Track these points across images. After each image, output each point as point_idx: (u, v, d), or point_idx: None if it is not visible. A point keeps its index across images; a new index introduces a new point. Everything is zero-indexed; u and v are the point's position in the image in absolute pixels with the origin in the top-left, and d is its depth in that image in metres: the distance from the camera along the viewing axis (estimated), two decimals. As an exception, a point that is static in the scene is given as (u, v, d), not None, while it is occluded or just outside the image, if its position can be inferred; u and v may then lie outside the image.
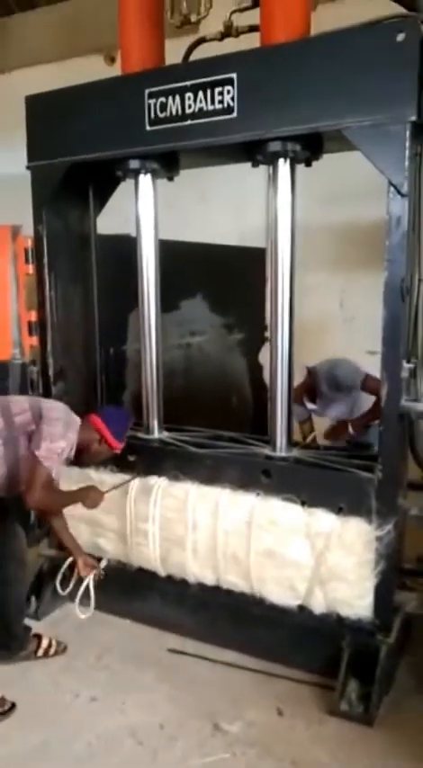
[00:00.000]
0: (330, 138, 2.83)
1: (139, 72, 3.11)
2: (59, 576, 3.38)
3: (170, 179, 3.41)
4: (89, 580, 3.10)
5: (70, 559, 3.39)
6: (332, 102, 2.63)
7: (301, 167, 3.05)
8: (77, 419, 2.96)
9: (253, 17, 3.04)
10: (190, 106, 2.93)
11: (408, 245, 2.62)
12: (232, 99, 2.83)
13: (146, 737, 2.62)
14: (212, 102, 2.87)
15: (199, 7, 3.25)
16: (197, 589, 3.19)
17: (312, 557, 2.86)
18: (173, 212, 4.79)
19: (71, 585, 3.41)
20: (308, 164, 3.05)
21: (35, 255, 3.55)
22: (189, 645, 3.20)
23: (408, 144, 2.50)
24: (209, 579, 3.15)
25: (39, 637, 3.18)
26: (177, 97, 2.95)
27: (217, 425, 3.59)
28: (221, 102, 2.85)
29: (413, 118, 2.48)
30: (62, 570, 3.35)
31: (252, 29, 3.09)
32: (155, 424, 3.50)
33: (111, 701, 2.83)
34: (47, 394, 3.52)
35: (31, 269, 3.89)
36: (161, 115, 2.99)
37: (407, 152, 2.51)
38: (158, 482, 3.22)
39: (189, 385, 4.77)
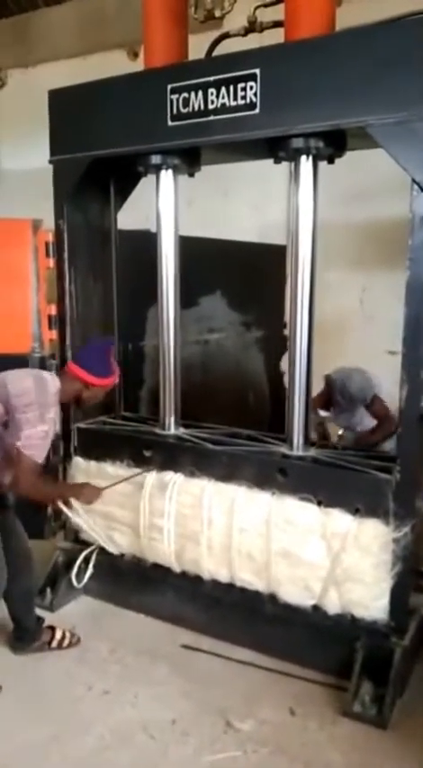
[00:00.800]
0: (353, 135, 2.81)
1: (162, 67, 3.10)
2: (75, 570, 3.41)
3: (191, 175, 3.40)
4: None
5: (85, 552, 3.41)
6: (356, 99, 2.60)
7: (323, 164, 3.02)
8: (53, 387, 2.84)
9: (277, 12, 3.02)
10: (212, 102, 2.92)
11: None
12: (255, 95, 2.81)
13: (158, 732, 2.62)
14: (235, 97, 2.86)
15: (223, 2, 3.24)
16: (211, 586, 3.19)
17: (328, 557, 2.85)
18: (194, 209, 4.80)
19: (86, 579, 3.45)
20: (330, 161, 3.03)
21: (56, 249, 3.56)
22: (202, 641, 3.19)
23: (432, 141, 2.47)
24: (223, 576, 3.14)
25: (52, 628, 3.19)
26: (200, 93, 2.94)
27: (234, 423, 3.58)
28: (244, 97, 2.84)
29: (438, 115, 2.45)
30: (78, 563, 3.38)
31: (276, 24, 3.07)
32: (171, 420, 3.50)
33: (123, 695, 2.84)
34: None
35: (51, 263, 3.90)
36: (183, 111, 2.99)
37: (431, 149, 2.48)
38: (174, 478, 3.22)
39: (206, 382, 4.76)
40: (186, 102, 2.98)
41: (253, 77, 2.80)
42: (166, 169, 3.28)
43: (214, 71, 2.89)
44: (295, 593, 2.95)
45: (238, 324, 5.17)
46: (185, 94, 2.97)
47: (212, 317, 4.86)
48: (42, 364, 4.06)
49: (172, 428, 3.49)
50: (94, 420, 3.69)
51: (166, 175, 3.31)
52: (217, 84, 2.89)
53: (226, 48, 3.23)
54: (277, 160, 3.08)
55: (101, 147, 3.25)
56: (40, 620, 3.20)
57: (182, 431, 3.48)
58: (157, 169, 3.29)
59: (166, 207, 3.37)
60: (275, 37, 2.97)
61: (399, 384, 2.69)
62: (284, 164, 3.18)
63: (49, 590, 3.53)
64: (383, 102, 2.54)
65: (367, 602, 2.81)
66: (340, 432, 4.28)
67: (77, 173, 3.35)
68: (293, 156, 2.97)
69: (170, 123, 3.03)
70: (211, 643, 3.17)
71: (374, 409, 3.85)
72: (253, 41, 3.18)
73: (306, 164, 2.96)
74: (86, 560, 3.49)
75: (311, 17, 2.79)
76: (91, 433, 3.60)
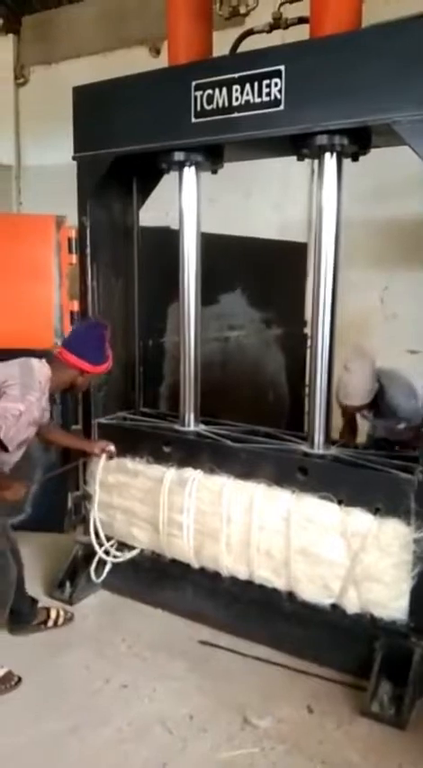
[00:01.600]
0: (379, 133, 2.79)
1: (187, 64, 3.11)
2: (94, 565, 3.44)
3: (214, 172, 3.41)
4: (102, 460, 3.36)
5: (103, 547, 3.44)
6: (382, 96, 2.59)
7: (346, 162, 3.01)
8: (41, 373, 2.79)
9: (302, 9, 3.01)
10: (237, 98, 2.91)
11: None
12: (280, 91, 2.81)
13: (175, 727, 2.64)
14: (260, 94, 2.85)
15: (248, -1, 3.24)
16: (230, 583, 3.19)
17: (348, 556, 2.83)
18: (216, 207, 4.80)
19: (105, 574, 3.48)
20: (355, 158, 3.01)
21: (79, 246, 3.58)
22: (220, 638, 3.21)
23: (460, 140, 2.45)
24: (242, 573, 3.14)
25: (47, 609, 3.31)
26: (224, 89, 2.93)
27: (252, 420, 3.58)
28: (269, 94, 2.83)
29: None
30: (96, 558, 3.41)
31: (301, 20, 3.05)
32: (191, 416, 3.50)
33: (141, 689, 2.86)
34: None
35: (74, 259, 3.93)
36: (207, 107, 2.99)
37: (458, 148, 2.46)
38: (194, 475, 3.23)
39: (226, 379, 4.76)
40: (210, 99, 2.97)
41: (278, 74, 2.80)
42: (190, 166, 3.28)
43: (239, 68, 2.89)
44: (314, 591, 2.95)
45: (258, 321, 5.16)
46: (210, 91, 2.97)
47: (232, 315, 4.86)
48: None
49: (191, 424, 3.50)
50: (114, 415, 3.71)
51: (189, 172, 3.31)
52: (241, 81, 2.88)
53: (250, 45, 3.23)
54: (301, 157, 3.07)
55: (124, 144, 3.26)
56: (34, 602, 3.29)
57: (201, 427, 3.49)
58: (180, 166, 3.30)
59: (188, 204, 3.37)
60: (300, 34, 2.96)
61: (421, 384, 2.68)
62: (306, 161, 3.17)
63: (68, 583, 3.57)
64: (411, 99, 2.52)
65: (386, 602, 2.80)
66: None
67: (101, 169, 3.37)
68: (317, 154, 2.96)
69: (194, 120, 3.03)
70: (229, 639, 3.18)
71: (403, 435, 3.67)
72: (277, 38, 3.17)
73: (330, 161, 2.94)
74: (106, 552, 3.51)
75: (337, 13, 2.77)
76: (111, 428, 3.62)
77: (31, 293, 4.06)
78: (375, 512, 2.79)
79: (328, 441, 3.16)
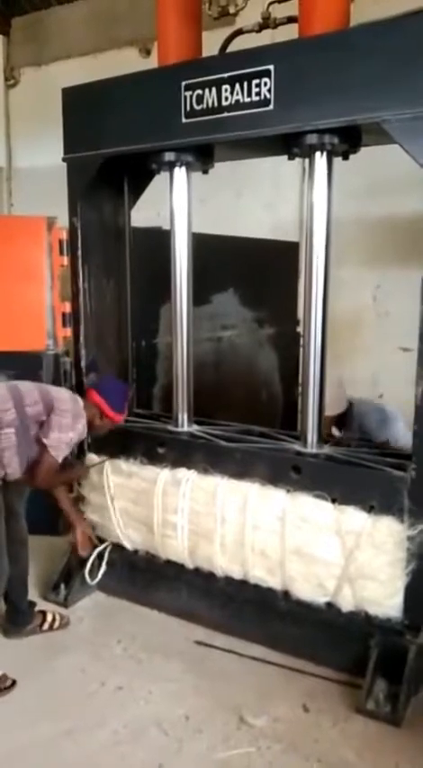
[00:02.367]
0: (368, 131, 2.79)
1: (176, 64, 3.10)
2: (88, 566, 3.44)
3: (205, 172, 3.40)
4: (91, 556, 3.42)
5: (98, 549, 3.45)
6: (371, 95, 2.59)
7: (337, 160, 3.01)
8: (81, 403, 3.11)
9: (291, 8, 3.01)
10: (226, 98, 2.91)
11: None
12: (269, 91, 2.80)
13: (171, 728, 2.63)
14: (249, 94, 2.85)
15: (236, -2, 3.24)
16: (224, 583, 3.19)
17: (342, 555, 2.84)
18: (207, 207, 4.80)
19: (99, 576, 3.47)
20: (345, 157, 3.02)
21: (70, 247, 3.57)
22: (216, 638, 3.20)
23: (449, 138, 2.45)
24: (236, 573, 3.14)
25: (43, 612, 3.31)
26: (214, 89, 2.93)
27: (246, 420, 3.58)
28: (258, 94, 2.83)
29: (455, 110, 2.43)
30: (91, 560, 3.40)
31: (290, 20, 3.05)
32: (184, 417, 3.50)
33: (137, 691, 2.85)
34: (79, 385, 3.56)
35: (65, 260, 3.92)
36: (197, 107, 2.98)
37: (448, 146, 2.46)
38: (188, 475, 3.22)
39: (219, 379, 4.76)
40: (200, 99, 2.97)
41: (267, 73, 2.80)
42: (180, 166, 3.28)
43: (228, 67, 2.89)
44: (309, 590, 2.95)
45: (251, 321, 5.16)
46: (199, 91, 2.97)
47: (225, 315, 4.86)
48: (56, 361, 4.09)
49: (185, 425, 3.49)
50: (107, 417, 3.70)
51: (180, 172, 3.30)
52: (231, 81, 2.88)
53: (239, 44, 3.23)
54: (291, 157, 3.08)
55: (114, 145, 3.26)
56: (32, 604, 3.30)
57: (195, 428, 3.49)
58: (170, 166, 3.29)
59: (179, 204, 3.36)
60: (289, 33, 2.96)
61: (414, 381, 2.68)
62: (296, 161, 3.17)
63: (63, 586, 3.56)
64: (400, 97, 2.52)
65: (381, 599, 2.80)
66: None
67: (91, 170, 3.36)
68: (308, 153, 2.96)
69: (184, 120, 3.03)
70: (224, 640, 3.18)
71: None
72: (267, 38, 3.17)
73: (320, 160, 2.94)
74: (100, 557, 3.51)
75: (326, 12, 2.77)
76: (105, 429, 3.60)
77: (22, 295, 4.05)
78: (369, 510, 2.79)
79: (322, 439, 3.16)
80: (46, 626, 3.27)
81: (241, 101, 2.88)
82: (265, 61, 2.79)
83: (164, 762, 2.46)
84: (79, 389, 3.49)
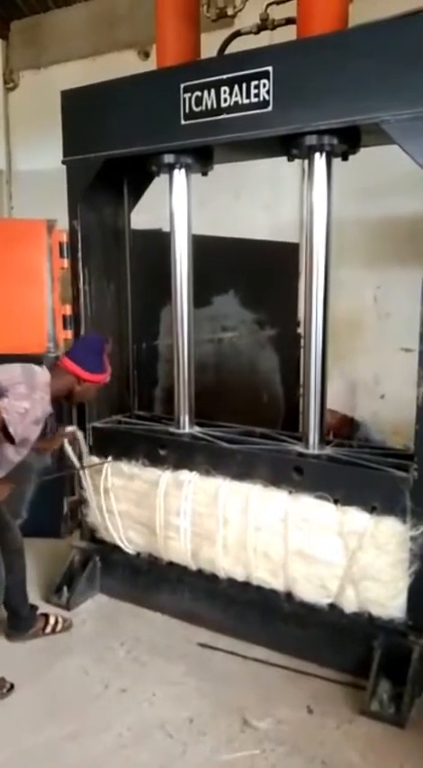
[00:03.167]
0: (368, 132, 2.79)
1: (175, 66, 3.10)
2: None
3: (204, 174, 3.40)
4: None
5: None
6: (370, 95, 2.59)
7: (336, 161, 3.01)
8: (43, 377, 2.83)
9: (289, 9, 3.01)
10: (225, 100, 2.91)
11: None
12: (268, 92, 2.81)
13: (175, 730, 2.63)
14: (248, 95, 2.85)
15: (235, 0, 3.24)
16: (227, 584, 3.19)
17: (345, 556, 2.83)
18: (207, 209, 4.80)
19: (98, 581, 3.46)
20: (344, 157, 3.01)
21: (70, 250, 3.57)
22: (219, 640, 3.20)
23: (449, 137, 2.45)
24: (239, 575, 3.14)
25: (46, 615, 3.29)
26: (213, 91, 2.93)
27: (248, 421, 3.58)
28: (257, 95, 2.83)
29: (455, 110, 2.43)
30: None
31: (289, 21, 3.06)
32: (186, 418, 3.50)
33: (141, 693, 2.85)
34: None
35: (65, 263, 3.92)
36: (196, 109, 2.99)
37: (448, 145, 2.46)
38: (190, 477, 3.22)
39: (220, 380, 4.76)
40: (199, 101, 2.97)
41: (266, 75, 2.80)
42: (180, 168, 3.28)
43: (227, 69, 2.89)
44: (312, 591, 2.95)
45: (251, 322, 5.16)
46: (198, 93, 2.97)
47: (226, 316, 4.86)
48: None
49: (187, 427, 3.49)
50: (108, 419, 3.70)
51: (180, 174, 3.30)
52: (230, 83, 2.88)
53: (238, 46, 3.23)
54: (290, 158, 3.08)
55: (114, 148, 3.26)
56: (33, 608, 3.29)
57: (196, 429, 3.48)
58: (170, 168, 3.29)
59: (179, 206, 3.36)
60: (288, 34, 2.96)
61: (415, 381, 2.68)
62: (295, 162, 3.17)
63: (65, 589, 3.55)
64: (399, 97, 2.52)
65: (384, 600, 2.80)
66: None
67: (91, 173, 3.36)
68: (307, 154, 2.96)
69: (183, 122, 3.03)
70: (227, 641, 3.18)
71: None
72: (265, 39, 3.18)
73: (320, 161, 2.94)
74: (102, 559, 3.51)
75: (324, 13, 2.78)
76: (106, 431, 3.61)
77: (23, 298, 4.05)
78: (371, 510, 2.79)
79: (323, 440, 3.16)
80: (48, 629, 3.26)
81: (240, 102, 2.88)
82: (263, 63, 2.79)
83: (168, 764, 2.46)
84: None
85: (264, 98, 2.82)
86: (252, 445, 3.20)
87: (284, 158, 3.12)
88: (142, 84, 3.19)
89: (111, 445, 3.52)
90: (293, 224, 5.93)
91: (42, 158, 6.70)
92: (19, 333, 4.05)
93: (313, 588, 2.94)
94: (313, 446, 3.11)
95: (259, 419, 4.00)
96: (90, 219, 3.53)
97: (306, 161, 3.03)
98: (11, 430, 2.66)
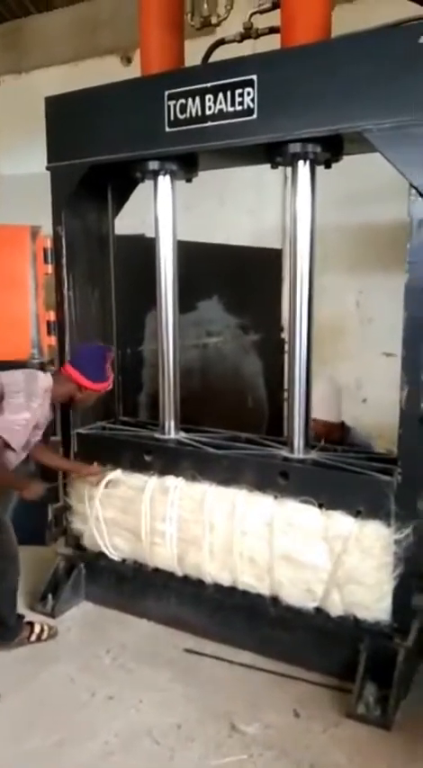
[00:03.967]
0: (351, 140, 2.83)
1: (160, 73, 3.12)
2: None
3: (188, 180, 3.42)
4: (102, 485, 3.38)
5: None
6: (353, 105, 2.63)
7: (319, 168, 3.04)
8: (44, 383, 2.98)
9: (272, 19, 3.04)
10: (210, 108, 2.94)
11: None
12: (252, 101, 2.83)
13: (163, 737, 2.62)
14: (232, 103, 2.88)
15: (218, 9, 3.26)
16: (213, 590, 3.19)
17: (330, 560, 2.86)
18: (190, 214, 4.81)
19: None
20: (327, 165, 3.05)
21: (54, 256, 3.56)
22: (205, 645, 3.20)
23: (430, 146, 2.49)
24: (225, 580, 3.14)
25: (31, 624, 3.27)
26: (197, 99, 2.95)
27: (232, 426, 3.59)
28: (241, 103, 2.86)
29: (436, 120, 2.48)
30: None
31: (272, 30, 3.09)
32: (172, 424, 3.50)
33: (127, 700, 2.84)
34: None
35: (49, 269, 3.91)
36: (181, 117, 3.00)
37: (429, 154, 2.50)
38: (176, 483, 3.22)
39: (205, 386, 4.77)
40: (184, 109, 2.99)
41: (250, 83, 2.82)
42: (164, 175, 3.29)
43: (211, 77, 2.91)
44: (297, 595, 2.96)
45: (236, 327, 5.18)
46: (183, 101, 2.99)
47: (210, 321, 4.88)
48: (41, 370, 4.06)
49: (172, 432, 3.49)
50: (93, 425, 3.69)
51: (164, 181, 3.32)
52: (214, 91, 2.91)
53: (221, 54, 3.25)
54: (275, 165, 3.11)
55: (99, 154, 3.26)
56: (20, 616, 3.26)
57: (182, 435, 3.49)
58: (154, 175, 3.30)
59: (164, 212, 3.37)
60: (271, 43, 2.99)
61: (398, 386, 2.71)
62: (279, 168, 3.19)
63: (50, 596, 3.53)
64: (381, 107, 2.56)
65: (369, 603, 2.82)
66: None
67: (75, 179, 3.36)
68: (291, 162, 2.99)
69: (168, 129, 3.04)
70: (214, 647, 3.18)
71: None
72: (248, 48, 3.20)
73: (303, 168, 2.97)
74: (87, 566, 3.50)
75: (307, 23, 2.81)
76: (91, 438, 3.60)
77: (7, 304, 4.03)
78: (356, 514, 2.81)
79: (308, 445, 3.18)
80: (34, 637, 3.24)
81: (225, 110, 2.90)
82: (248, 71, 2.82)
83: (156, 771, 2.46)
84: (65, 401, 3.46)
85: (248, 106, 2.84)
86: (238, 450, 3.21)
87: (267, 165, 3.15)
88: (127, 91, 3.20)
89: (96, 451, 3.51)
90: (276, 230, 5.97)
91: (25, 164, 6.67)
92: (2, 339, 4.03)
93: (299, 592, 2.96)
94: (298, 451, 3.13)
95: (244, 423, 4.01)
96: (74, 225, 3.52)
97: (288, 168, 3.05)
98: (13, 445, 2.81)
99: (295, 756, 2.51)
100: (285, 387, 3.53)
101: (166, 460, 3.31)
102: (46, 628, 3.28)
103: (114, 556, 3.45)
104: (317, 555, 2.88)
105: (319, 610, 2.94)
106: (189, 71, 3.11)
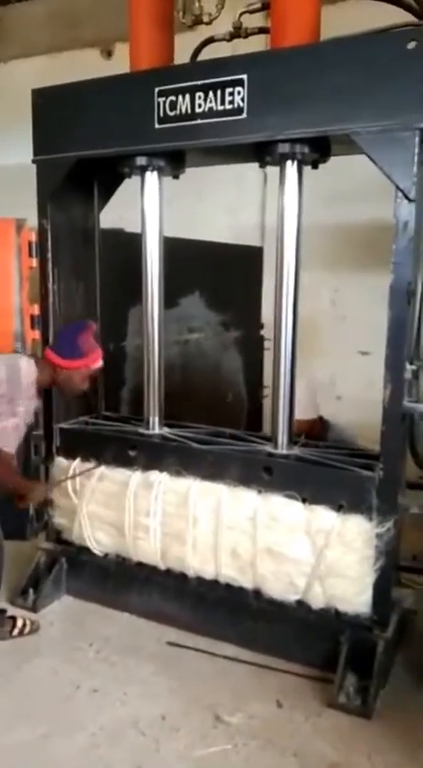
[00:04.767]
0: (338, 142, 2.88)
1: (150, 70, 3.12)
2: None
3: (176, 177, 3.44)
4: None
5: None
6: (342, 107, 2.68)
7: (306, 169, 3.09)
8: (28, 376, 2.86)
9: (262, 19, 3.07)
10: (200, 105, 2.96)
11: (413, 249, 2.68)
12: (242, 100, 2.86)
13: (148, 728, 2.65)
14: (222, 102, 2.90)
15: (208, 7, 3.28)
16: (196, 583, 3.22)
17: (312, 553, 2.91)
18: (170, 209, 4.81)
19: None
20: (314, 166, 3.09)
21: (39, 249, 3.54)
22: (188, 638, 3.23)
23: (417, 150, 2.56)
24: (208, 573, 3.17)
25: (14, 618, 3.26)
26: (187, 96, 2.97)
27: (213, 420, 3.63)
28: (232, 102, 2.89)
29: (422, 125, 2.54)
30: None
31: (261, 30, 3.12)
32: (156, 419, 3.52)
33: (112, 693, 2.86)
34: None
35: (34, 262, 3.89)
36: (170, 113, 3.02)
37: (416, 158, 2.57)
38: (160, 477, 3.24)
39: (187, 381, 4.80)
40: (173, 106, 3.00)
41: (241, 83, 2.85)
42: (152, 171, 3.30)
43: (202, 75, 2.93)
44: (280, 588, 3.01)
45: (217, 324, 5.21)
46: (173, 97, 3.00)
47: (192, 318, 4.90)
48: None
49: (156, 428, 3.51)
50: (75, 420, 3.69)
51: (152, 177, 3.32)
52: (205, 89, 2.93)
53: (209, 52, 3.27)
54: (263, 164, 3.14)
55: (86, 148, 3.25)
56: (2, 611, 3.26)
57: (166, 430, 3.51)
58: (142, 171, 3.31)
59: (150, 208, 3.38)
60: (260, 43, 3.02)
61: (373, 384, 2.78)
62: (258, 168, 3.22)
63: (31, 591, 3.52)
64: (369, 110, 2.61)
65: (351, 596, 2.89)
66: None
67: (61, 173, 3.34)
68: (279, 161, 3.03)
69: (157, 126, 3.05)
70: (196, 640, 3.21)
71: None
72: (237, 47, 3.23)
73: (291, 168, 3.01)
74: (69, 561, 3.49)
75: (297, 24, 2.85)
76: (74, 433, 3.60)
77: (-10, 297, 4.00)
78: (339, 509, 2.87)
79: (292, 441, 3.23)
80: (16, 631, 3.23)
81: (214, 108, 2.92)
82: (238, 70, 2.85)
83: (142, 762, 2.48)
84: (47, 393, 3.46)
85: (238, 105, 2.87)
86: (222, 446, 3.25)
87: (250, 163, 3.18)
88: (116, 86, 3.19)
89: (79, 447, 3.51)
90: (255, 227, 6.01)
91: (7, 155, 6.59)
92: (-15, 332, 4.00)
93: (282, 585, 3.01)
94: (282, 446, 3.18)
95: (224, 418, 4.05)
96: (59, 219, 3.50)
97: (268, 168, 3.09)
98: (8, 449, 2.83)
99: (280, 745, 2.56)
100: (267, 383, 3.58)
101: (151, 456, 3.32)
102: (28, 622, 3.27)
103: (97, 550, 3.46)
104: (300, 549, 2.94)
105: (300, 603, 2.99)
106: (180, 68, 3.12)
